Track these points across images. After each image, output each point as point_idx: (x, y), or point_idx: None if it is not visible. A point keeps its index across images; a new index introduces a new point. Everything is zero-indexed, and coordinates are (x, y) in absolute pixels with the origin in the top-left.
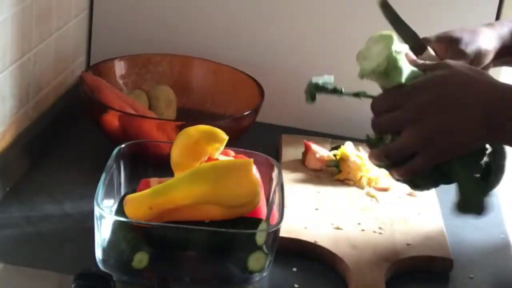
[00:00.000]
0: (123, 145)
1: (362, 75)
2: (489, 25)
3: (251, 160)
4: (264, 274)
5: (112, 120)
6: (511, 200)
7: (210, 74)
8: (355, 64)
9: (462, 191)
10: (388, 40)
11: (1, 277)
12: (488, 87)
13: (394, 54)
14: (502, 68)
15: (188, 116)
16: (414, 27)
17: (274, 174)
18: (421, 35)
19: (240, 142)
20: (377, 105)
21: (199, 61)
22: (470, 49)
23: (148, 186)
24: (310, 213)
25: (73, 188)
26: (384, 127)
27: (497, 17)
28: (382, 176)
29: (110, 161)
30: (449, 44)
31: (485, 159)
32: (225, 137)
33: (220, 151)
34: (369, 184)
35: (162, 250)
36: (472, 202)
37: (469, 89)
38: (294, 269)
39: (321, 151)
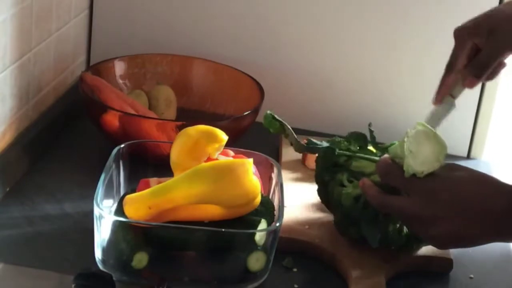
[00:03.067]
0: (122, 145)
1: (407, 173)
2: None
3: (251, 160)
4: (264, 274)
5: (112, 120)
6: None
7: (210, 74)
8: (355, 64)
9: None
10: (442, 148)
11: (1, 277)
12: (501, 198)
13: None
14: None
15: (188, 116)
16: (414, 27)
17: (274, 174)
18: (421, 34)
19: (240, 142)
20: (388, 178)
21: (199, 61)
22: None
23: (147, 186)
24: (310, 213)
25: (73, 188)
26: (390, 210)
27: None
28: None
29: (109, 161)
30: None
31: None
32: (224, 137)
33: (219, 151)
34: None
35: (162, 250)
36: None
37: (484, 198)
38: (294, 269)
39: None
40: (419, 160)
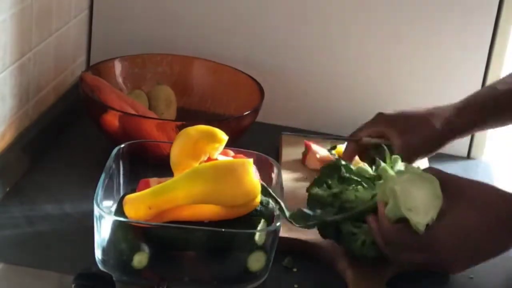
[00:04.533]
0: (122, 145)
1: (422, 229)
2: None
3: (251, 160)
4: (264, 274)
5: (112, 120)
6: None
7: (210, 74)
8: (355, 64)
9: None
10: (432, 182)
11: (1, 277)
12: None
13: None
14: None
15: (188, 116)
16: (414, 27)
17: (274, 174)
18: (422, 34)
19: (240, 142)
20: (402, 243)
21: (199, 61)
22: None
23: (147, 186)
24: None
25: (73, 188)
26: (407, 263)
27: (497, 16)
28: None
29: (109, 161)
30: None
31: None
32: (224, 137)
33: (219, 151)
34: None
35: (162, 250)
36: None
37: (491, 239)
38: (294, 269)
39: (321, 151)
40: (422, 211)
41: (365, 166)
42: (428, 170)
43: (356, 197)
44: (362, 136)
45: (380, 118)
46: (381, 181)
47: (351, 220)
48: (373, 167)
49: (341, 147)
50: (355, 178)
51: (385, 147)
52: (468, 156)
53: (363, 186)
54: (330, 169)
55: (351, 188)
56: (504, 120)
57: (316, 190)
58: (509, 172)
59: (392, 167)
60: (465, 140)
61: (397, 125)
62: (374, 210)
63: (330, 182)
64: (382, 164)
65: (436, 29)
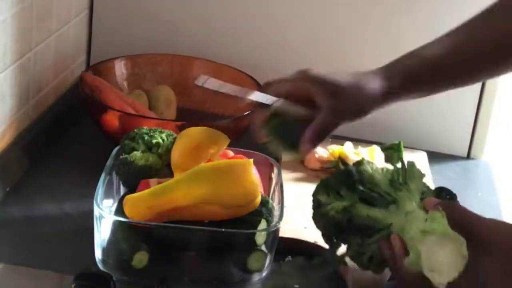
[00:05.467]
0: None
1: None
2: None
3: (251, 160)
4: (264, 274)
5: (112, 120)
6: (511, 201)
7: (210, 74)
8: (354, 64)
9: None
10: (459, 241)
11: (1, 277)
12: None
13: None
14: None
15: (188, 116)
16: (415, 27)
17: (274, 174)
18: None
19: (240, 142)
20: None
21: (199, 61)
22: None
23: (147, 186)
24: (310, 213)
25: (73, 188)
26: None
27: None
28: None
29: (110, 161)
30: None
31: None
32: (226, 139)
33: (220, 153)
34: None
35: (162, 250)
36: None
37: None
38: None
39: (321, 151)
40: (445, 272)
41: (382, 172)
42: (451, 207)
43: (368, 217)
44: (281, 91)
45: (307, 75)
46: (397, 208)
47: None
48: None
49: (341, 148)
50: (367, 191)
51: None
52: (468, 156)
53: (372, 204)
54: (342, 177)
55: (362, 203)
56: (440, 86)
57: (322, 196)
58: (509, 172)
59: (411, 195)
60: (465, 140)
61: (327, 87)
62: (387, 237)
63: (340, 191)
64: (403, 192)
65: (436, 29)
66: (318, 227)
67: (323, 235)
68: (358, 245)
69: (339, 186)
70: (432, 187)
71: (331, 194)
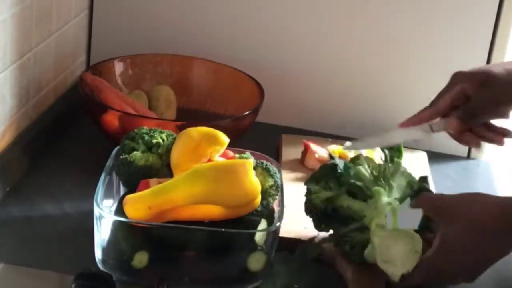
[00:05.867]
0: None
1: (397, 279)
2: None
3: (251, 160)
4: (264, 274)
5: (112, 120)
6: None
7: (210, 74)
8: (354, 65)
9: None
10: (414, 238)
11: (1, 277)
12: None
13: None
14: None
15: (188, 116)
16: (415, 27)
17: None
18: (423, 34)
19: (240, 142)
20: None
21: (199, 61)
22: None
23: (147, 186)
24: None
25: (73, 188)
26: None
27: (497, 17)
28: None
29: (110, 161)
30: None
31: None
32: (226, 140)
33: (220, 154)
34: None
35: (162, 250)
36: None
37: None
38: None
39: (320, 151)
40: (399, 264)
41: (371, 168)
42: (422, 196)
43: (348, 207)
44: (444, 105)
45: (457, 76)
46: (374, 202)
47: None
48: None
49: (341, 148)
50: (353, 182)
51: None
52: (468, 156)
53: (356, 196)
54: (329, 170)
55: (345, 195)
56: None
57: (312, 185)
58: (509, 172)
59: (389, 190)
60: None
61: (477, 79)
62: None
63: (329, 182)
64: (379, 188)
65: (436, 29)
66: (307, 213)
67: (313, 222)
68: (340, 234)
69: (329, 178)
70: (432, 187)
71: (321, 184)
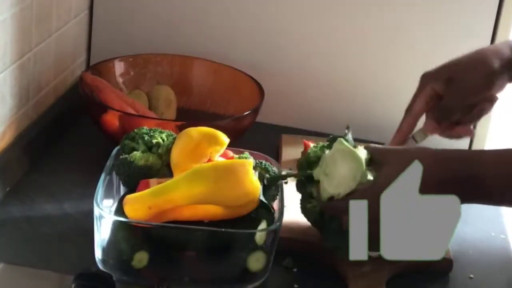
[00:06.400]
0: None
1: (323, 198)
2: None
3: (251, 160)
4: (264, 274)
5: (112, 120)
6: None
7: (210, 74)
8: (354, 64)
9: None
10: (360, 165)
11: (1, 277)
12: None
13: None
14: None
15: (188, 116)
16: (414, 27)
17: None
18: (422, 35)
19: (240, 142)
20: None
21: (199, 61)
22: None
23: (147, 186)
24: None
25: (73, 188)
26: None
27: (497, 17)
28: None
29: (110, 161)
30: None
31: None
32: (226, 140)
33: (220, 154)
34: None
35: (162, 250)
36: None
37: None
38: (294, 269)
39: None
40: (335, 182)
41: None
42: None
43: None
44: (418, 109)
45: (425, 77)
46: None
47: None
48: None
49: None
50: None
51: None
52: None
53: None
54: (334, 140)
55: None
56: None
57: (312, 149)
58: None
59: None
60: (465, 140)
61: (442, 76)
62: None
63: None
64: (348, 137)
65: (436, 29)
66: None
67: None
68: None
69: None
70: None
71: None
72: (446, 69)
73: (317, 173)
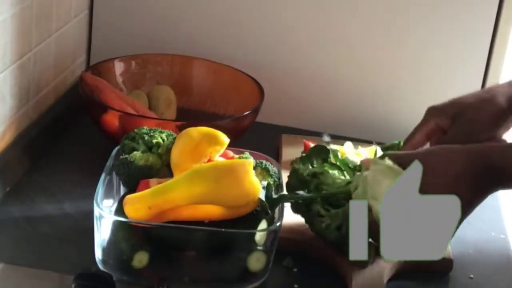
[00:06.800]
0: None
1: (378, 219)
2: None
3: (251, 160)
4: (264, 274)
5: (112, 120)
6: (511, 201)
7: (210, 74)
8: (354, 65)
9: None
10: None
11: (1, 277)
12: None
13: None
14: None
15: (188, 116)
16: (414, 27)
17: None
18: (422, 35)
19: (240, 142)
20: None
21: (199, 61)
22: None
23: (147, 186)
24: None
25: (73, 188)
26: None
27: (497, 16)
28: None
29: (110, 161)
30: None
31: None
32: (226, 140)
33: (220, 154)
34: None
35: (162, 250)
36: None
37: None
38: (294, 269)
39: None
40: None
41: (352, 157)
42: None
43: (333, 182)
44: (418, 141)
45: (430, 111)
46: (359, 173)
47: (322, 201)
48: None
49: (341, 148)
50: (339, 165)
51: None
52: None
53: (343, 174)
54: (318, 150)
55: (331, 172)
56: None
57: (299, 165)
58: None
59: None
60: None
61: (448, 112)
62: (345, 195)
63: (315, 162)
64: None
65: (436, 29)
66: (288, 190)
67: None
68: (317, 215)
69: (315, 158)
70: None
71: (306, 165)
72: (453, 105)
73: (359, 196)
